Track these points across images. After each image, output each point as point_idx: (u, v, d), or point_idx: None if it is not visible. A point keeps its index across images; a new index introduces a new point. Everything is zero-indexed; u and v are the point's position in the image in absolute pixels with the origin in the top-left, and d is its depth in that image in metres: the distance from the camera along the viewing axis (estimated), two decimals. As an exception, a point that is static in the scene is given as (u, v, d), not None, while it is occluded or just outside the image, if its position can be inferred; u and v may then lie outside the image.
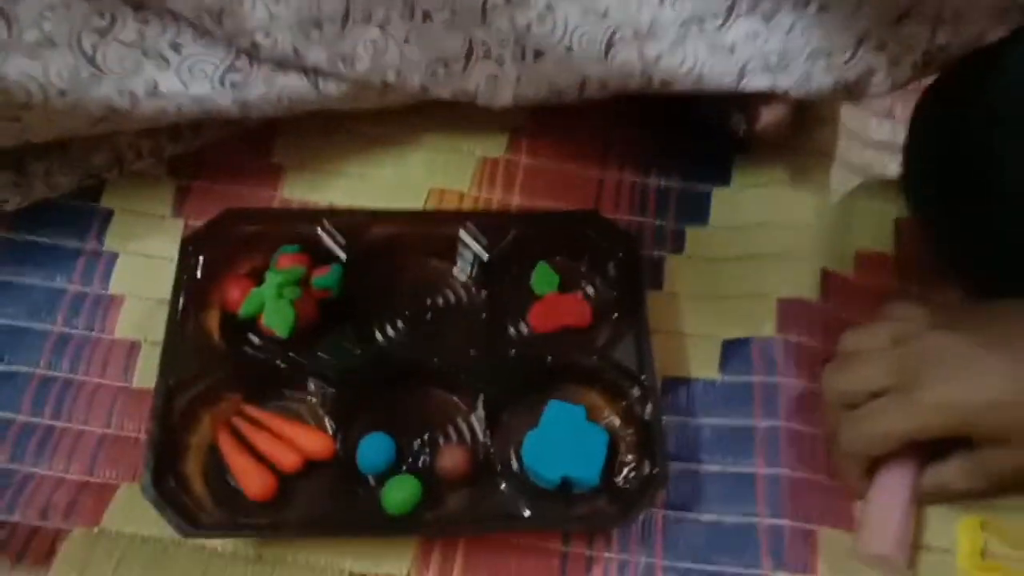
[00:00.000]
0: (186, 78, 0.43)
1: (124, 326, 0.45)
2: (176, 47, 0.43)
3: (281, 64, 0.44)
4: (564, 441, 0.42)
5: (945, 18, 0.42)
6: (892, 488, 0.40)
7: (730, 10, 0.44)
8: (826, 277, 0.48)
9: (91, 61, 0.41)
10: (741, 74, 0.44)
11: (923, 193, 0.46)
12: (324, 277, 0.44)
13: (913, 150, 0.46)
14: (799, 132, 0.51)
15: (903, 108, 0.54)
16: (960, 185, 0.43)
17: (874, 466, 0.41)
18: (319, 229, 0.45)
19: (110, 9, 0.41)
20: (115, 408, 0.43)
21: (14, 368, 0.44)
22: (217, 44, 0.43)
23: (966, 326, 0.39)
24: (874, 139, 0.54)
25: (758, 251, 0.49)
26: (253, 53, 0.44)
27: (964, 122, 0.43)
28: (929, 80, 0.46)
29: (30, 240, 0.47)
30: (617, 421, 0.43)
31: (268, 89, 0.45)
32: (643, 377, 0.43)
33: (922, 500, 0.41)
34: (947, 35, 0.42)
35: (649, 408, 0.42)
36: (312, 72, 0.45)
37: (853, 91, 0.44)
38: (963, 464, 0.39)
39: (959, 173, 0.43)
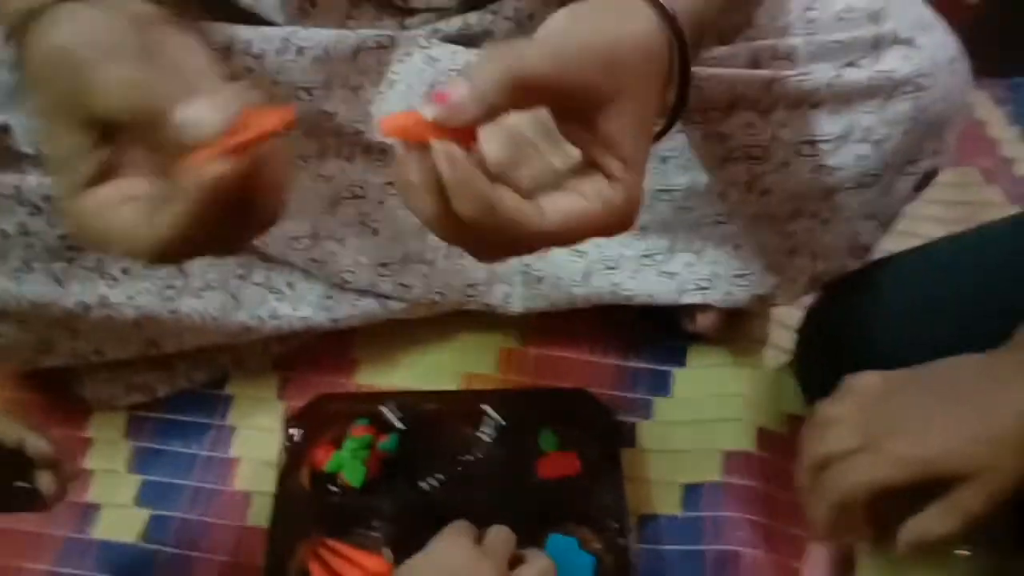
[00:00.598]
0: (296, 305, 0.62)
1: (240, 481, 0.62)
2: (290, 285, 0.62)
3: (361, 292, 0.63)
4: (561, 564, 0.56)
5: (819, 254, 0.59)
6: None
7: (671, 248, 0.62)
8: (762, 434, 0.63)
9: (234, 297, 0.60)
10: (680, 292, 0.62)
11: (810, 375, 0.61)
12: (386, 442, 0.61)
13: (803, 343, 0.62)
14: (738, 325, 0.68)
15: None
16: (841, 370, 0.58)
17: (847, 519, 0.44)
18: (382, 407, 0.63)
19: (247, 263, 0.61)
20: (237, 541, 0.59)
21: (163, 512, 0.61)
22: (317, 281, 0.62)
23: (916, 385, 0.45)
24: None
25: (709, 416, 0.64)
26: (342, 286, 0.63)
27: (846, 320, 0.59)
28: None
29: (173, 419, 0.65)
30: (601, 548, 0.57)
31: (352, 309, 0.63)
32: (619, 515, 0.57)
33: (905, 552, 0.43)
34: (824, 264, 0.60)
35: (624, 539, 0.56)
36: (383, 297, 0.64)
37: (763, 302, 0.62)
38: (939, 509, 0.41)
39: (841, 361, 0.59)
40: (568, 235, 0.35)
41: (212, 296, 0.60)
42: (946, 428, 0.42)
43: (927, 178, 0.59)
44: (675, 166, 0.58)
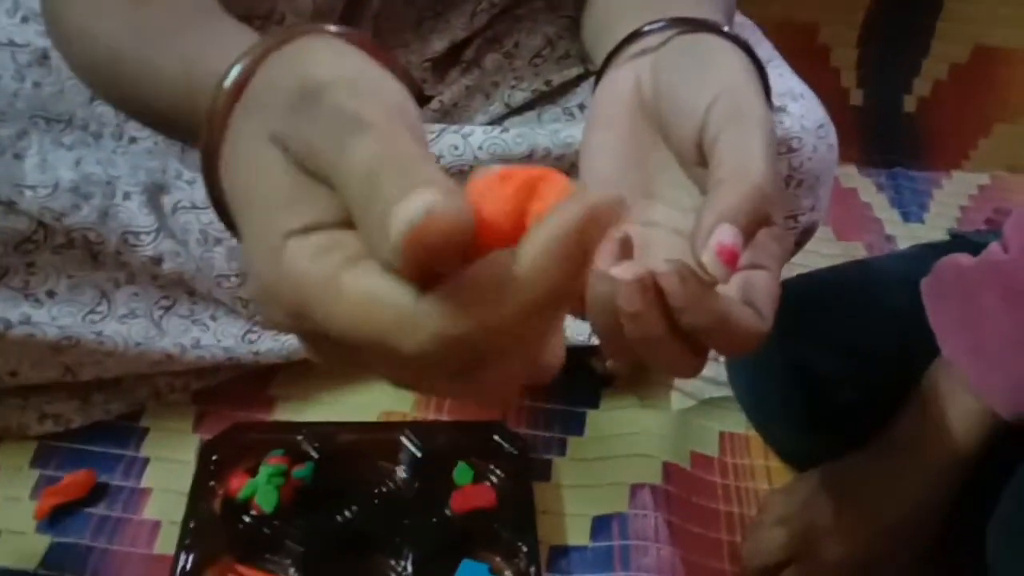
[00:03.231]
0: (220, 337, 0.63)
1: (149, 510, 0.61)
2: (214, 318, 0.64)
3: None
4: (473, 589, 0.57)
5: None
6: None
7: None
8: (667, 469, 0.66)
9: (157, 325, 0.62)
10: (591, 335, 0.65)
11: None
12: (301, 470, 0.61)
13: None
14: (645, 370, 0.72)
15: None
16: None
17: None
18: (298, 436, 0.63)
19: (172, 295, 0.62)
20: (141, 570, 0.58)
21: (65, 540, 0.59)
22: (241, 317, 0.64)
23: (824, 495, 0.56)
24: (702, 375, 0.75)
25: (618, 452, 0.67)
26: (264, 324, 0.65)
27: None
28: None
29: (84, 448, 0.64)
30: (511, 575, 0.58)
31: (273, 345, 0.65)
32: (529, 544, 0.59)
33: None
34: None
35: (533, 567, 0.58)
36: (303, 332, 0.66)
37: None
38: None
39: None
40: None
41: (136, 323, 0.61)
42: (855, 531, 0.55)
43: (807, 233, 0.65)
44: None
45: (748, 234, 0.32)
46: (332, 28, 0.31)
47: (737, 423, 0.70)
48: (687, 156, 0.36)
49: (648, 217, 0.38)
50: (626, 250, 0.35)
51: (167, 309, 0.63)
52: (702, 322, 0.32)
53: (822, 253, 0.86)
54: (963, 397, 0.51)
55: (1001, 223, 0.55)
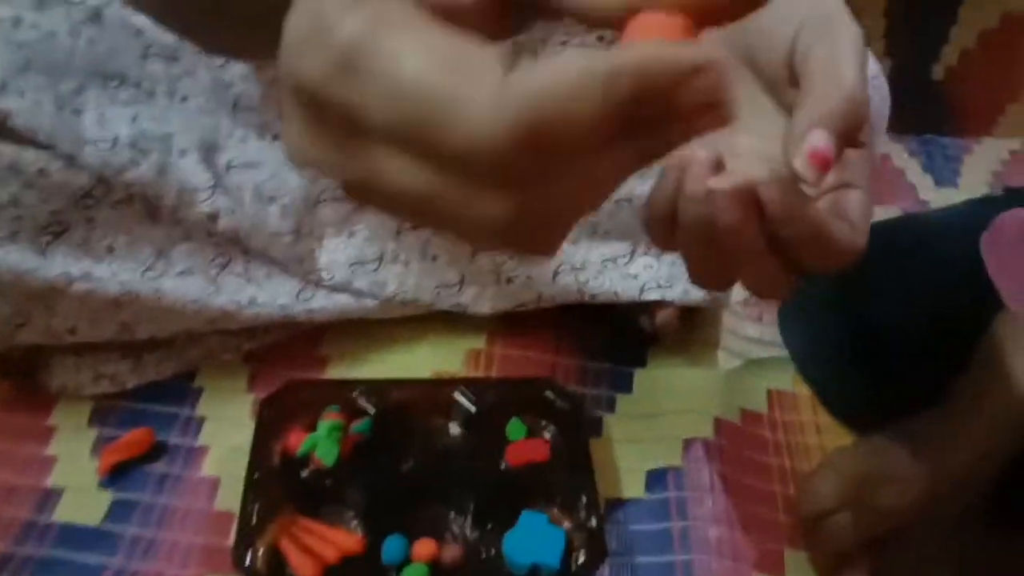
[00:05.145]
0: (275, 295, 0.64)
1: (208, 467, 0.62)
2: (269, 276, 0.64)
3: (336, 288, 0.65)
4: (534, 539, 0.57)
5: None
6: None
7: (632, 252, 0.66)
8: (718, 424, 0.66)
9: (214, 282, 0.62)
10: (641, 291, 0.66)
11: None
12: (359, 425, 0.61)
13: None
14: (693, 330, 0.72)
15: (768, 315, 0.76)
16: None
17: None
18: (354, 393, 0.64)
19: (228, 252, 0.63)
20: (201, 525, 0.58)
21: (126, 496, 0.59)
22: (296, 275, 0.64)
23: (883, 450, 0.56)
24: (748, 335, 0.75)
25: (668, 409, 0.68)
26: (319, 282, 0.65)
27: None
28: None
29: (140, 407, 0.65)
30: (571, 526, 0.59)
31: (327, 303, 0.65)
32: (589, 496, 0.59)
33: None
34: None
35: (594, 518, 0.58)
36: (357, 294, 0.66)
37: (717, 301, 0.66)
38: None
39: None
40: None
41: (192, 280, 0.61)
42: (912, 480, 0.53)
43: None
44: (635, 176, 0.63)
45: (840, 143, 0.32)
46: None
47: (784, 381, 0.70)
48: (778, 78, 0.37)
49: (734, 147, 0.39)
50: (719, 168, 0.35)
51: (223, 267, 0.63)
52: (800, 233, 0.32)
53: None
54: None
55: None
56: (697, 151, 0.36)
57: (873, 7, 1.00)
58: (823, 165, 0.31)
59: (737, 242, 0.33)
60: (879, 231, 0.68)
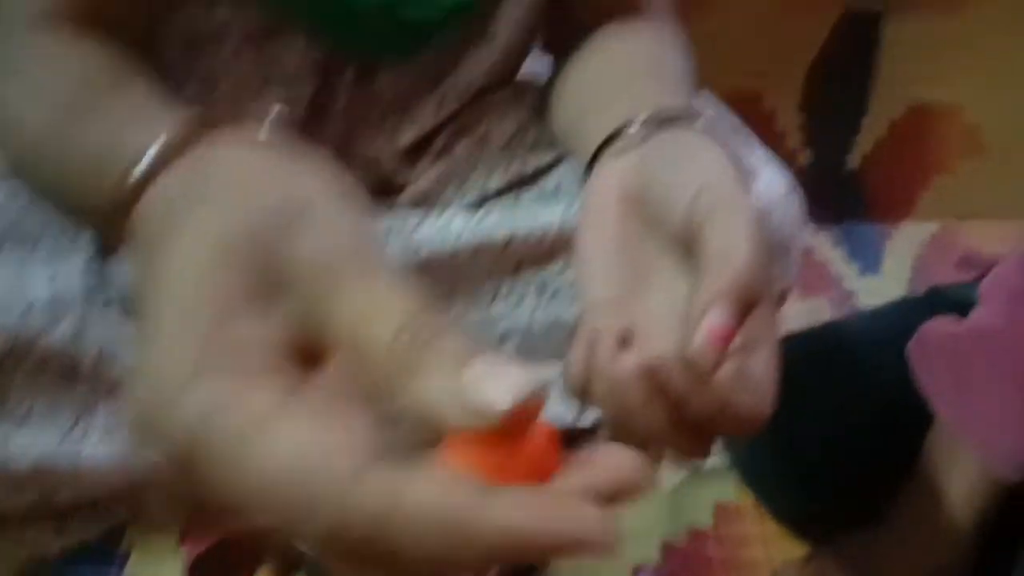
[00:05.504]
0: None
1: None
2: None
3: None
4: None
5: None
6: None
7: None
8: (665, 547, 0.66)
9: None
10: (578, 418, 0.65)
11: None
12: (297, 580, 0.59)
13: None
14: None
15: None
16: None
17: None
18: (291, 546, 0.61)
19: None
20: None
21: None
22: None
23: (830, 569, 0.57)
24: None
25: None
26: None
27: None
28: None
29: (70, 571, 0.61)
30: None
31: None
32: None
33: None
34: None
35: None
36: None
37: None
38: None
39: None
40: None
41: (116, 439, 0.59)
42: None
43: (780, 300, 0.66)
44: (565, 300, 0.63)
45: (739, 317, 0.33)
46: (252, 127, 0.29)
47: (728, 492, 0.70)
48: (678, 249, 0.37)
49: (645, 307, 0.39)
50: (626, 344, 0.36)
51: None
52: (705, 410, 0.32)
53: (787, 313, 0.88)
54: (965, 461, 0.52)
55: (972, 267, 0.56)
56: (605, 323, 0.37)
57: (789, 102, 1.05)
58: (722, 343, 0.32)
59: (644, 419, 0.33)
60: (803, 346, 0.70)
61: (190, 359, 0.21)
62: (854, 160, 1.07)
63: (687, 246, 0.37)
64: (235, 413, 0.21)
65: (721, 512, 0.69)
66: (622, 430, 0.35)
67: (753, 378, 0.34)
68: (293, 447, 0.21)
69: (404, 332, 0.22)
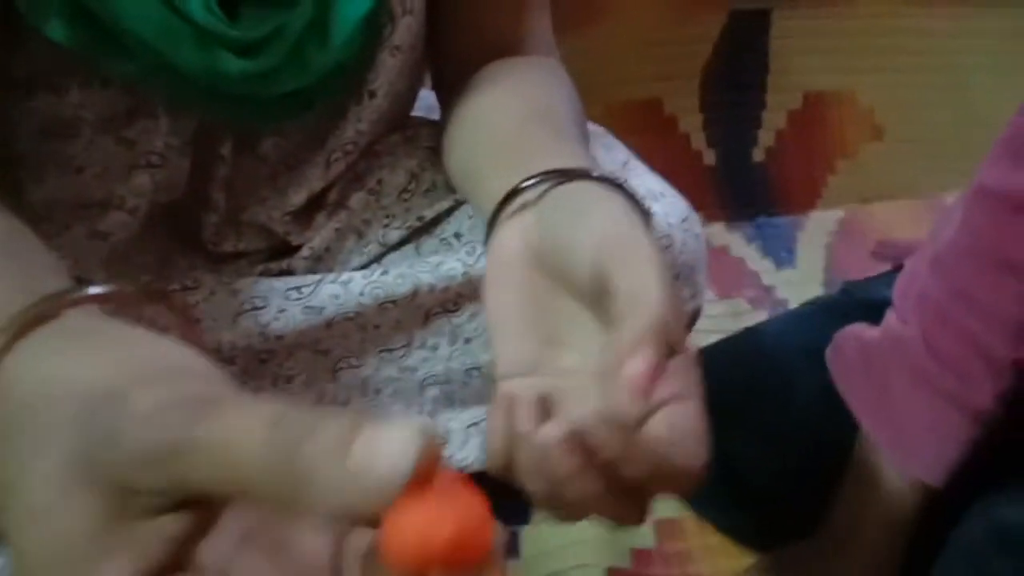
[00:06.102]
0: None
1: None
2: None
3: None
4: None
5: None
6: None
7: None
8: (612, 573, 0.65)
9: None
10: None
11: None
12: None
13: None
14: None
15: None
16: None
17: None
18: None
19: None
20: None
21: None
22: None
23: None
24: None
25: (560, 567, 0.66)
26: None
27: None
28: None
29: None
30: None
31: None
32: None
33: None
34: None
35: None
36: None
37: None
38: None
39: None
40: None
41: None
42: None
43: (693, 318, 0.66)
44: (478, 345, 0.62)
45: (659, 360, 0.32)
46: (84, 295, 0.26)
47: (668, 508, 0.70)
48: (588, 291, 0.37)
49: (559, 365, 0.38)
50: (545, 409, 0.35)
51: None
52: (638, 471, 0.31)
53: (707, 314, 0.88)
54: (890, 472, 0.52)
55: (885, 258, 0.56)
56: (520, 388, 0.35)
57: (688, 104, 1.06)
58: (644, 392, 0.31)
59: (576, 487, 0.32)
60: (727, 352, 0.70)
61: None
62: (759, 154, 1.09)
63: (596, 298, 0.36)
64: None
65: (662, 530, 0.69)
66: (552, 502, 0.33)
67: (684, 432, 0.33)
68: None
69: (275, 440, 0.20)
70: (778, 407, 0.61)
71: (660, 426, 0.33)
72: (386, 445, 0.20)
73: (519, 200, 0.40)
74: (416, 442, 0.20)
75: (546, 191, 0.39)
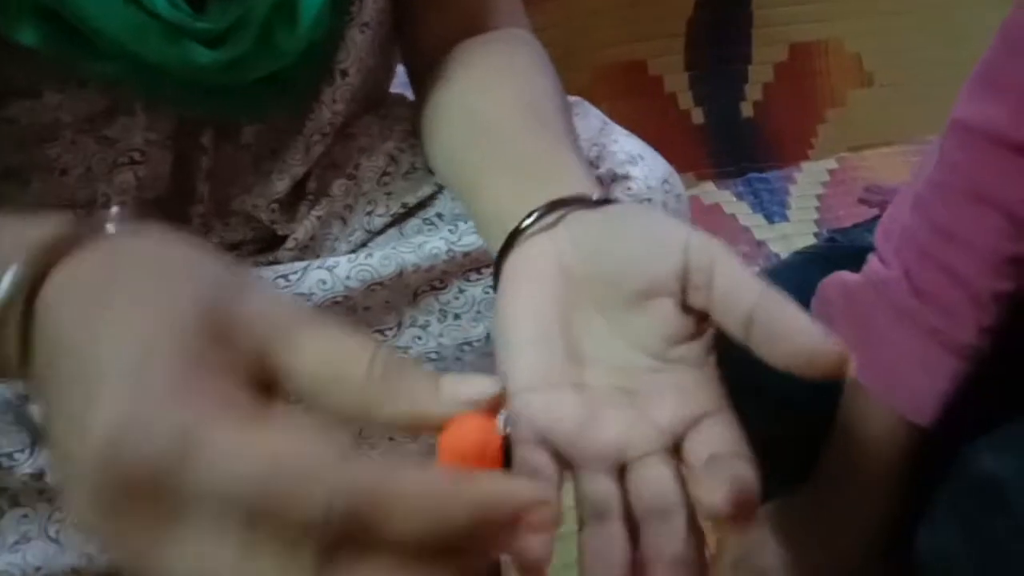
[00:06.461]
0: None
1: None
2: None
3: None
4: None
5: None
6: None
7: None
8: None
9: (55, 542, 0.57)
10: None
11: None
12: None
13: None
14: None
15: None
16: None
17: None
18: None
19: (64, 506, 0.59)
20: None
21: None
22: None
23: (770, 539, 0.57)
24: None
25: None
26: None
27: None
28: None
29: None
30: None
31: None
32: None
33: None
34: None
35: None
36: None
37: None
38: None
39: None
40: None
41: (31, 547, 0.57)
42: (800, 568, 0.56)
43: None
44: (467, 320, 0.62)
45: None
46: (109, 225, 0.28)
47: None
48: (620, 315, 0.36)
49: (581, 379, 0.37)
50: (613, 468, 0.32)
51: (61, 522, 0.58)
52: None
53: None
54: (878, 413, 0.52)
55: (873, 204, 0.55)
56: (542, 405, 0.34)
57: (674, 63, 1.05)
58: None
59: None
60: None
61: (156, 395, 0.23)
62: (747, 109, 1.08)
63: (663, 295, 0.35)
64: (220, 423, 0.23)
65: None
66: None
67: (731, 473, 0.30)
68: (287, 439, 0.23)
69: (375, 367, 0.25)
70: (764, 367, 0.61)
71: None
72: (474, 379, 0.25)
73: (541, 221, 0.39)
74: (497, 382, 0.26)
75: (562, 216, 0.39)
